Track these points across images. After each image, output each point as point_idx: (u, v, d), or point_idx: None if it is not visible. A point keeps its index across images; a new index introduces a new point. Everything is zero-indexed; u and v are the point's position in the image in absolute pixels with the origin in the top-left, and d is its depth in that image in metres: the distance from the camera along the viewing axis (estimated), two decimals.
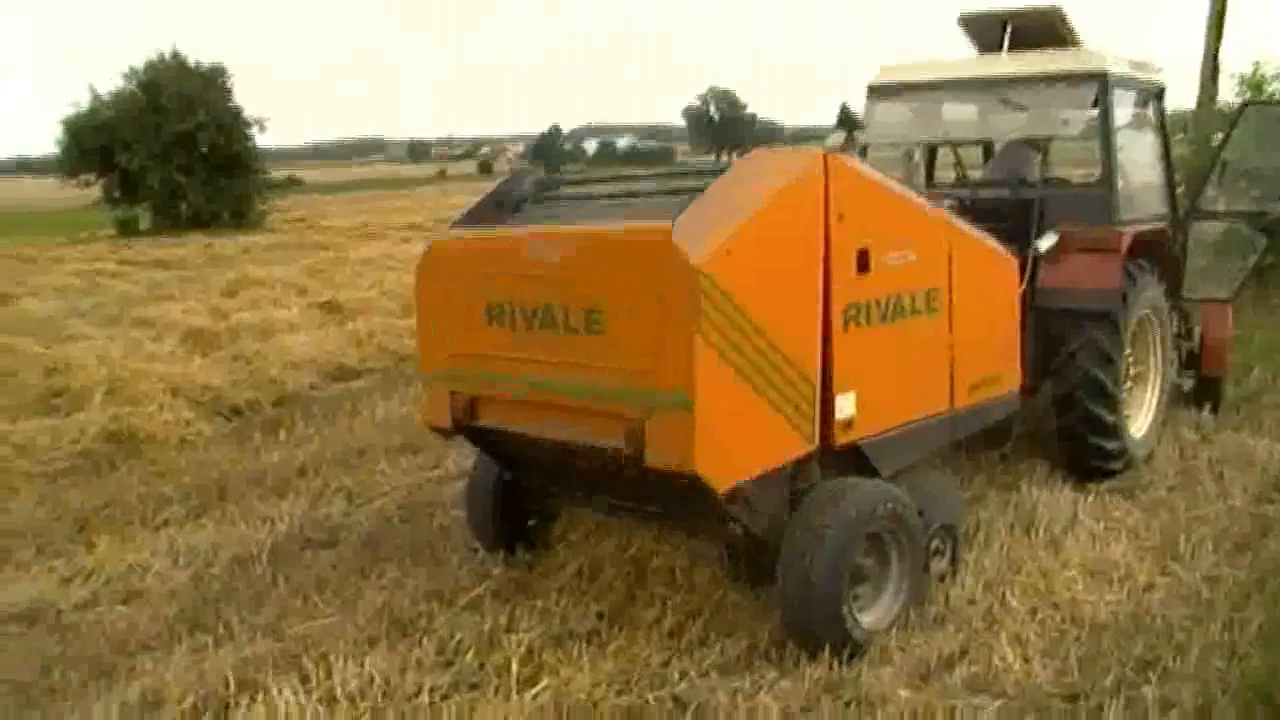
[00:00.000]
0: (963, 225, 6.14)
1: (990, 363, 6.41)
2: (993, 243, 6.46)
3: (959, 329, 5.99)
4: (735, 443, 4.77)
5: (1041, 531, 6.60)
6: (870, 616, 5.30)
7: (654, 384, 4.68)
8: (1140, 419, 8.19)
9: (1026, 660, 5.10)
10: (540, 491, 6.24)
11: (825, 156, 5.08)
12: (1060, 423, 7.62)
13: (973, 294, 6.06)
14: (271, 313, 15.62)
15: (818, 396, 5.05)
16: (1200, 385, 9.34)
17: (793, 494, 5.36)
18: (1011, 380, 6.64)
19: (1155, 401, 8.39)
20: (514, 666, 5.04)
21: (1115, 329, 7.46)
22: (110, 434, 9.58)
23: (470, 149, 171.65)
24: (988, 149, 9.44)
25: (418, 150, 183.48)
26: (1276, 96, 16.25)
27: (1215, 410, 9.23)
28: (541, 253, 5.16)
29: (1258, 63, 16.49)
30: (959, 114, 8.74)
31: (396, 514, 7.50)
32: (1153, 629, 5.42)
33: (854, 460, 5.49)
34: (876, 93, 8.57)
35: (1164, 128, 8.79)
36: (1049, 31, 8.35)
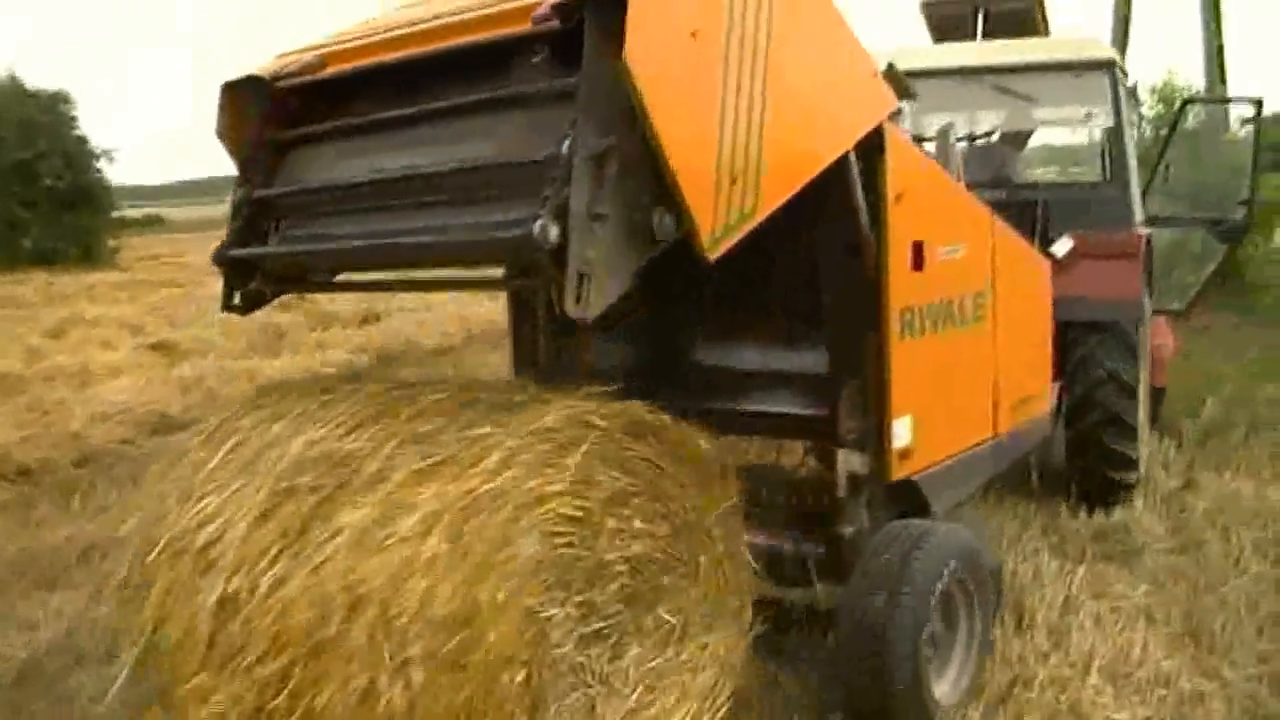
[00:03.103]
0: (1002, 222, 5.32)
1: (1029, 380, 5.76)
2: (1028, 245, 5.77)
3: (1003, 340, 5.27)
4: (679, 75, 3.24)
5: (1038, 621, 5.12)
6: (941, 688, 4.24)
7: None
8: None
9: None
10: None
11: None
12: (1075, 457, 6.90)
13: (1015, 301, 5.42)
14: (95, 355, 13.63)
15: (757, 207, 3.50)
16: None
17: (830, 541, 4.42)
18: (1045, 401, 6.00)
19: (1146, 414, 7.43)
20: None
21: (1133, 354, 6.71)
22: None
23: None
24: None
25: None
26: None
27: (1154, 422, 8.28)
28: None
29: (1170, 73, 15.78)
30: (949, 104, 7.46)
31: None
32: None
33: (903, 497, 4.57)
34: None
35: (1137, 124, 7.86)
36: (1021, 20, 7.72)
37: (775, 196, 3.55)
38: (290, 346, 14.95)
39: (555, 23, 3.16)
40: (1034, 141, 8.98)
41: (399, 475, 3.54)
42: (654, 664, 3.71)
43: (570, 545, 3.39)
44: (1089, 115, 7.41)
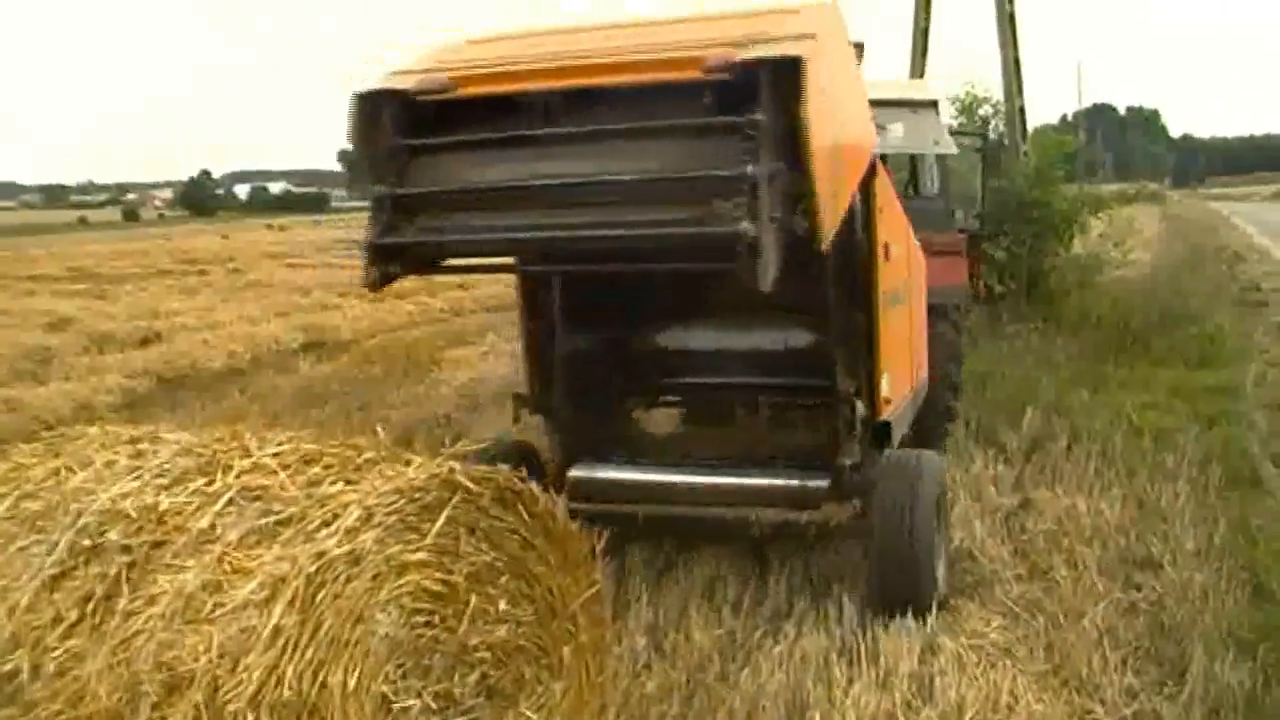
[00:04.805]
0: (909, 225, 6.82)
1: (922, 346, 7.25)
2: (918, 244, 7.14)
3: (913, 316, 6.85)
4: (821, 119, 4.49)
5: (899, 670, 4.79)
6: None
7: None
8: None
9: None
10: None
11: None
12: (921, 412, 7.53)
13: (916, 286, 6.93)
14: None
15: (839, 212, 4.89)
16: None
17: (838, 474, 5.77)
18: (925, 364, 7.36)
19: None
20: None
21: (959, 330, 8.78)
22: None
23: (115, 195, 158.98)
24: None
25: (55, 195, 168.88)
26: (988, 120, 16.02)
27: None
28: None
29: (970, 84, 16.01)
30: None
31: None
32: None
33: (878, 435, 5.88)
34: None
35: None
36: None
37: (844, 205, 4.94)
38: (60, 372, 13.70)
39: (727, 75, 4.43)
40: None
41: (234, 535, 2.97)
42: None
43: (431, 625, 2.92)
44: (935, 142, 9.54)
